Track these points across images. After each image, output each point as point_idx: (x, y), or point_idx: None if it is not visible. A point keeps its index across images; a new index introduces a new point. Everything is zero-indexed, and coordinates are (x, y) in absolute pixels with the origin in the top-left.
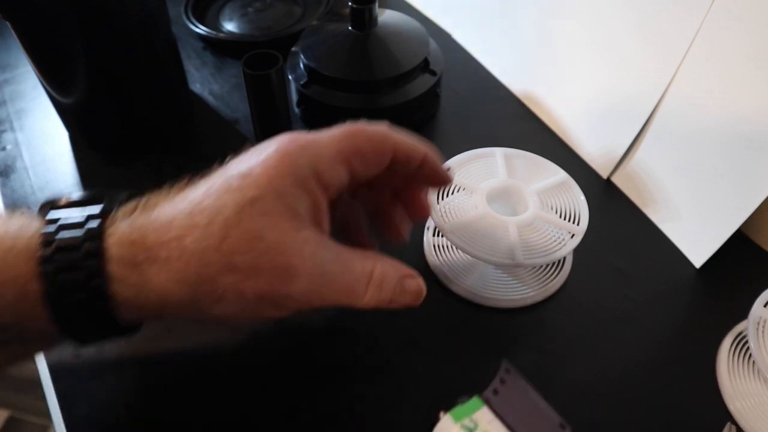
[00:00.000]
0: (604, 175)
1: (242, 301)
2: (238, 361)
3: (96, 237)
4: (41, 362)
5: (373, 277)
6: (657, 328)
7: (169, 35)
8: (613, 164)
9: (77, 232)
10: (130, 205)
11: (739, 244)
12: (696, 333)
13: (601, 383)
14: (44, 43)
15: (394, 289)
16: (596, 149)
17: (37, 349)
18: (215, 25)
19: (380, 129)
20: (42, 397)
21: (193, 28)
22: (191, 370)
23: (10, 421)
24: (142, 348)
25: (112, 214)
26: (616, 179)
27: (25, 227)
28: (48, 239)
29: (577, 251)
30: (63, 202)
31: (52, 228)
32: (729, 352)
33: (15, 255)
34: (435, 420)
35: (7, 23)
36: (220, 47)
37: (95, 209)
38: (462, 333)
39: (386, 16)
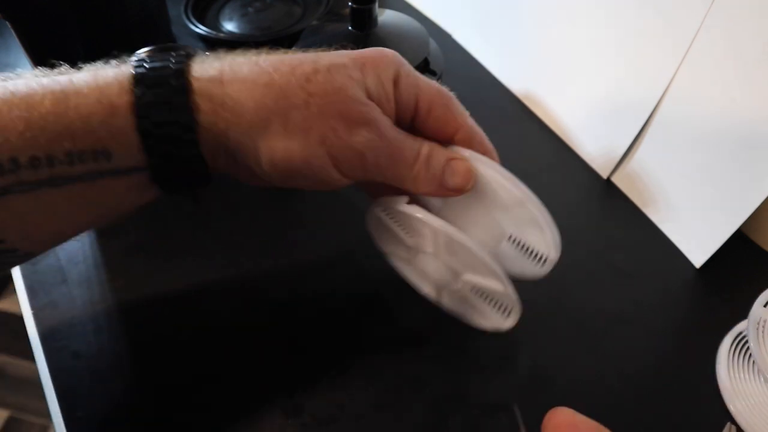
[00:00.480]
0: (604, 175)
1: (306, 140)
2: (238, 361)
3: (182, 67)
4: (41, 362)
5: (422, 153)
6: (657, 328)
7: (169, 35)
8: (613, 164)
9: (165, 63)
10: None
11: (739, 244)
12: (696, 333)
13: (601, 383)
14: (44, 43)
15: (442, 167)
16: (596, 149)
17: (121, 192)
18: (215, 25)
19: (461, 109)
20: (42, 397)
21: (193, 28)
22: (191, 370)
23: (10, 421)
24: (142, 348)
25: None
26: (616, 179)
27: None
28: (138, 72)
29: (577, 251)
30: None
31: (140, 68)
32: (729, 352)
33: (107, 83)
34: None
35: (7, 23)
36: (220, 47)
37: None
38: (462, 330)
39: (386, 16)
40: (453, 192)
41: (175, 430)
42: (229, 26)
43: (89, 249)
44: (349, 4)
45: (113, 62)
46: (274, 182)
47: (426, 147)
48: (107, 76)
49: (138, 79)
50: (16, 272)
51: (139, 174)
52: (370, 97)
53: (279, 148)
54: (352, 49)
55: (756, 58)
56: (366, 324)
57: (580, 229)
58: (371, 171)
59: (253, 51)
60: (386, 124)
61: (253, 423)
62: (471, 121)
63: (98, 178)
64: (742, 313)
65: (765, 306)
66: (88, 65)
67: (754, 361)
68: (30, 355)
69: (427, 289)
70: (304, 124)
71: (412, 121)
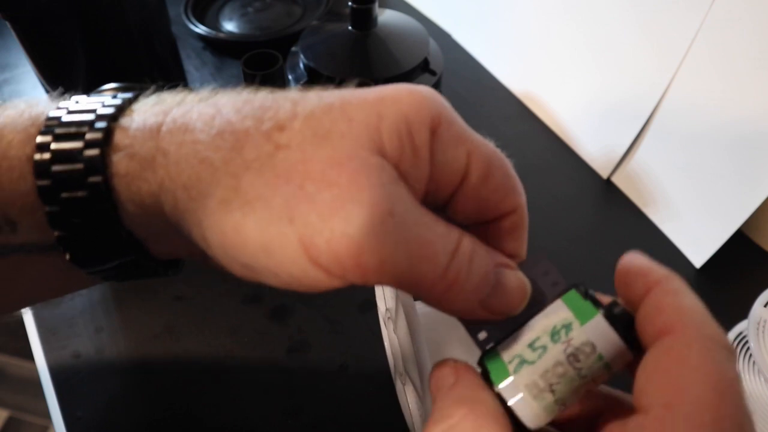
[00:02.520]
0: (604, 175)
1: (265, 215)
2: (237, 361)
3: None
4: (41, 362)
5: (461, 248)
6: None
7: (169, 35)
8: (613, 164)
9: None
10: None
11: (739, 244)
12: None
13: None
14: (44, 43)
15: (486, 275)
16: (596, 149)
17: (48, 274)
18: (215, 25)
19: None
20: (42, 397)
21: (193, 28)
22: (191, 370)
23: (10, 421)
24: (142, 348)
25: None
26: (616, 179)
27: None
28: (52, 118)
29: (578, 251)
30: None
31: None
32: None
33: (14, 131)
34: None
35: (7, 23)
36: (220, 47)
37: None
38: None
39: (386, 16)
40: (497, 315)
41: (175, 430)
42: (229, 26)
43: None
44: (349, 4)
45: (39, 103)
46: (242, 277)
47: (468, 242)
48: (23, 122)
49: (47, 128)
50: None
51: (57, 255)
52: (383, 152)
53: (228, 226)
54: (351, 50)
55: (756, 58)
56: (366, 323)
57: (580, 229)
58: (373, 273)
59: (229, 91)
60: (404, 197)
61: (253, 423)
62: (524, 201)
63: (5, 255)
64: (742, 313)
65: (765, 306)
66: (11, 104)
67: (754, 361)
68: (30, 355)
69: (390, 361)
70: (263, 191)
71: (451, 196)
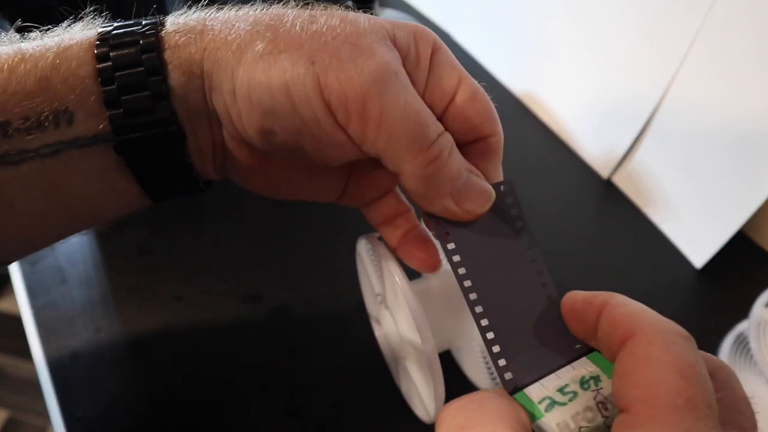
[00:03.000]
0: (604, 175)
1: (292, 58)
2: (237, 361)
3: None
4: (41, 362)
5: (443, 139)
6: None
7: None
8: (613, 164)
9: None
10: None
11: (739, 244)
12: (696, 333)
13: None
14: None
15: (460, 170)
16: (596, 149)
17: (89, 178)
18: None
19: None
20: (41, 397)
21: None
22: (190, 370)
23: (10, 422)
24: (142, 348)
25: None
26: (616, 179)
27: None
28: (104, 35)
29: (578, 251)
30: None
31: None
32: (729, 353)
33: (71, 40)
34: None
35: (7, 23)
36: None
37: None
38: None
39: (386, 16)
40: (462, 215)
41: (175, 430)
42: None
43: (89, 249)
44: (349, 4)
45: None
46: (253, 141)
47: (449, 137)
48: (73, 35)
49: (103, 37)
50: (16, 272)
51: (106, 149)
52: (395, 45)
53: (258, 70)
54: None
55: (756, 58)
56: (367, 323)
57: (580, 229)
58: (372, 129)
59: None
60: (407, 81)
61: (253, 423)
62: (501, 130)
63: (59, 152)
64: (743, 314)
65: (765, 306)
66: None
67: (754, 362)
68: (30, 355)
69: (386, 352)
70: (296, 40)
71: (442, 114)
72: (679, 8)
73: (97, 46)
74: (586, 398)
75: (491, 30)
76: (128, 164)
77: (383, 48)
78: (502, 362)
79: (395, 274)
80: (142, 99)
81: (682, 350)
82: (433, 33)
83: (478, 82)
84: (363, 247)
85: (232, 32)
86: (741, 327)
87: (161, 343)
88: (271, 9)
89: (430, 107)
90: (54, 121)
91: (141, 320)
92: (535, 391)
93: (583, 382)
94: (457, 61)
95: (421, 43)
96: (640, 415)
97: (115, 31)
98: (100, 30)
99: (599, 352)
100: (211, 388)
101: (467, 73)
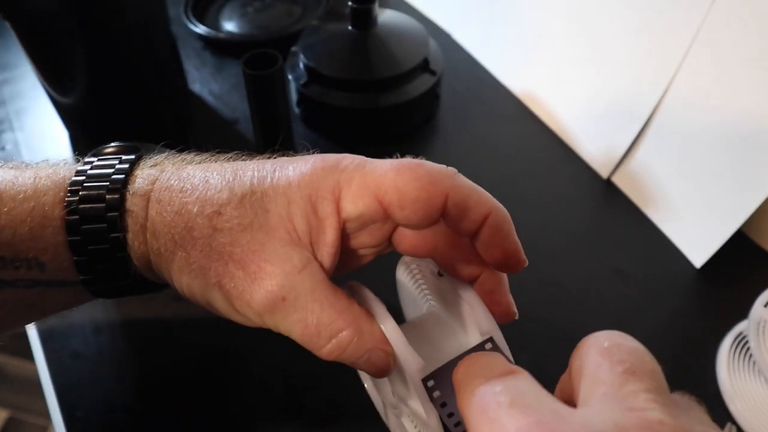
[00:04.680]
0: (604, 175)
1: (204, 281)
2: (237, 361)
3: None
4: (41, 362)
5: (340, 336)
6: (657, 328)
7: (169, 35)
8: (613, 164)
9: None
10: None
11: (739, 244)
12: (696, 333)
13: None
14: (44, 43)
15: (358, 358)
16: (596, 149)
17: (60, 298)
18: (215, 25)
19: (439, 170)
20: (42, 397)
21: (192, 27)
22: (190, 370)
23: (10, 421)
24: (142, 349)
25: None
26: (616, 179)
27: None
28: (76, 181)
29: (578, 251)
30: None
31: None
32: (729, 352)
33: (44, 190)
34: None
35: (7, 23)
36: (219, 47)
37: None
38: None
39: (386, 16)
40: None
41: (175, 430)
42: (229, 26)
43: None
44: (349, 3)
45: (62, 161)
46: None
47: (347, 333)
48: (46, 182)
49: (73, 191)
50: None
51: (74, 287)
52: (295, 234)
53: (184, 283)
54: (351, 50)
55: (756, 58)
56: None
57: (580, 229)
58: (277, 329)
59: (207, 156)
60: (304, 282)
61: (253, 423)
62: (483, 196)
63: (33, 287)
64: (742, 313)
65: (765, 306)
66: (37, 163)
67: (754, 361)
68: (30, 355)
69: (376, 400)
70: (203, 264)
71: (395, 229)
72: (679, 8)
73: (67, 216)
74: None
75: (491, 30)
76: (89, 290)
77: (274, 265)
78: (436, 394)
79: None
80: (104, 249)
81: (605, 338)
82: (329, 176)
83: (478, 82)
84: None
85: (159, 239)
86: (741, 327)
87: (161, 343)
88: (186, 192)
89: (380, 230)
90: (26, 265)
91: (141, 320)
92: None
93: None
94: (364, 179)
95: (319, 204)
96: (595, 407)
97: (86, 183)
98: (72, 179)
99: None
100: (211, 387)
101: (386, 180)
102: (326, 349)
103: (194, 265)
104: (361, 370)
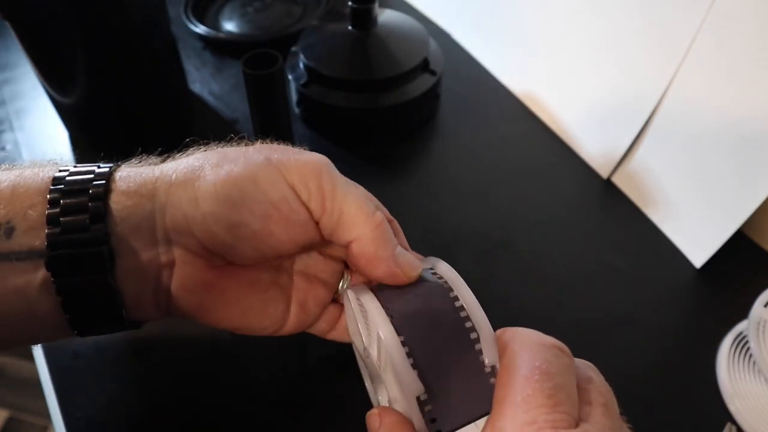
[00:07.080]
0: (604, 175)
1: (233, 177)
2: (237, 361)
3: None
4: (41, 362)
5: (378, 210)
6: (657, 328)
7: (169, 35)
8: (613, 164)
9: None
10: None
11: (739, 244)
12: (696, 333)
13: None
14: (44, 43)
15: (393, 239)
16: (596, 149)
17: (16, 297)
18: (215, 25)
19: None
20: (42, 397)
21: (192, 27)
22: (191, 370)
23: (10, 421)
24: (142, 348)
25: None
26: (616, 179)
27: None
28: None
29: (578, 251)
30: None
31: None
32: (729, 352)
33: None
34: None
35: (7, 23)
36: (219, 47)
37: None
38: None
39: (386, 16)
40: (401, 276)
41: (175, 429)
42: (229, 26)
43: None
44: (349, 4)
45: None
46: (218, 240)
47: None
48: (31, 172)
49: (57, 179)
50: None
51: (36, 267)
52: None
53: (221, 173)
54: (351, 50)
55: (757, 57)
56: None
57: (580, 229)
58: (329, 201)
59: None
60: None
61: (253, 422)
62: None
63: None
64: (742, 313)
65: (765, 306)
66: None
67: (754, 361)
68: (30, 355)
69: (374, 399)
70: (243, 152)
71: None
72: (679, 7)
73: (51, 192)
74: None
75: (491, 30)
76: (55, 282)
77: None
78: (428, 408)
79: (379, 317)
80: (80, 220)
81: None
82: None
83: (478, 82)
84: (350, 294)
85: (182, 164)
86: (740, 327)
87: (161, 343)
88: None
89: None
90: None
91: None
92: None
93: None
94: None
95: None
96: (513, 385)
97: (69, 177)
98: (56, 176)
99: None
100: (211, 388)
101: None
102: (377, 212)
103: (230, 159)
104: (399, 263)
